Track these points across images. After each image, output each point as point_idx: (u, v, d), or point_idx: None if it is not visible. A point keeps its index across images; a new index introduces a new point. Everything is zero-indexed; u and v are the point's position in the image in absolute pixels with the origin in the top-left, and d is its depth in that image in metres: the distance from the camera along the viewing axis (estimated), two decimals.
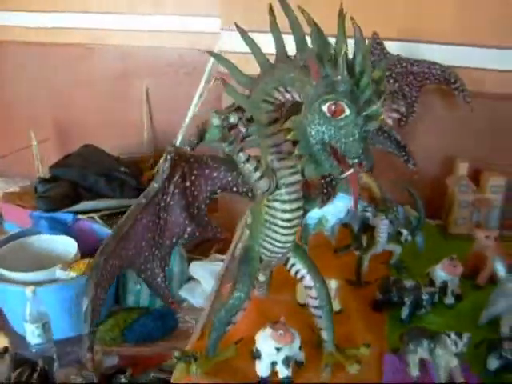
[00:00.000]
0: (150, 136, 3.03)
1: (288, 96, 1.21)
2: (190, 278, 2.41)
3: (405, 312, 1.66)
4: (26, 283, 1.94)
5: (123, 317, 2.18)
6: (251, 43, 1.22)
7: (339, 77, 1.05)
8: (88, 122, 3.05)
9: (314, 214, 1.80)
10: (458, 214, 2.21)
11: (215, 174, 1.35)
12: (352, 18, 1.11)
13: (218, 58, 1.27)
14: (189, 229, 1.37)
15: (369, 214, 1.82)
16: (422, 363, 1.47)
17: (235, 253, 2.03)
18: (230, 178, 1.36)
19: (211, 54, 1.30)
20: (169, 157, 1.27)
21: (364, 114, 1.06)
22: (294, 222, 1.32)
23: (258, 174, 1.24)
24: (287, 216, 1.30)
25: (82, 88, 3.02)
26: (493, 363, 1.46)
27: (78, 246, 2.21)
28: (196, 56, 2.86)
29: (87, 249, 2.25)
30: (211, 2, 2.72)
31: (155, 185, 1.28)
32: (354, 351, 1.50)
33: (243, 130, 1.20)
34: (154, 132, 3.05)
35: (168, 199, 1.31)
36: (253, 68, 2.42)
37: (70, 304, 1.99)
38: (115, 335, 2.09)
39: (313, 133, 1.09)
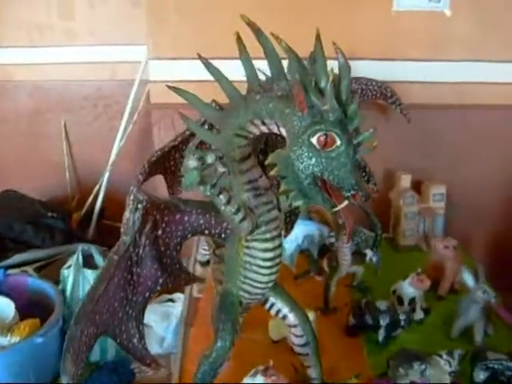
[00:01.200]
0: (71, 175, 2.83)
1: (263, 129, 1.14)
2: None
3: (381, 335, 1.63)
4: None
5: None
6: (218, 74, 1.13)
7: (326, 106, 1.00)
8: (3, 165, 2.80)
9: None
10: (406, 225, 2.24)
11: (186, 219, 1.25)
12: (334, 43, 1.05)
13: (180, 92, 1.16)
14: (161, 280, 1.26)
15: (333, 240, 1.78)
16: None
17: (193, 292, 1.92)
18: (201, 221, 1.26)
19: (171, 88, 1.18)
20: (140, 206, 1.15)
21: (355, 142, 1.02)
22: (277, 261, 1.25)
23: (240, 216, 1.16)
24: (269, 255, 1.23)
25: None
26: (480, 375, 1.45)
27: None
28: (115, 88, 2.72)
29: (22, 307, 2.04)
30: (129, 31, 2.60)
31: (125, 238, 1.16)
32: (344, 382, 1.44)
33: (222, 170, 1.11)
34: (76, 170, 2.85)
35: (140, 252, 1.19)
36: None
37: (14, 372, 1.79)
38: None
39: (301, 167, 1.03)
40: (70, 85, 2.74)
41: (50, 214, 2.47)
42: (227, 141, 1.15)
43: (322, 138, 0.99)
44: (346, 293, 1.91)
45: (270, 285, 1.30)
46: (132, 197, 1.16)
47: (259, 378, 1.29)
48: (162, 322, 2.19)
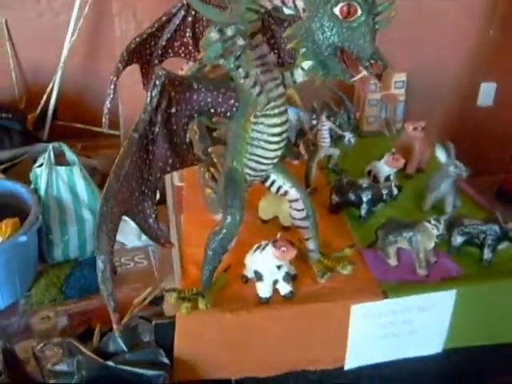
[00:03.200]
0: (18, 76, 2.66)
1: (276, 1, 1.14)
2: None
3: (364, 209, 1.73)
4: None
5: (55, 274, 1.98)
6: None
7: None
8: None
9: None
10: (369, 112, 2.32)
11: (195, 97, 1.24)
12: None
13: None
14: (170, 160, 1.27)
15: (314, 122, 1.83)
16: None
17: (174, 181, 1.94)
18: (209, 99, 1.26)
19: None
20: (158, 82, 1.14)
21: (375, 12, 1.05)
22: (283, 136, 1.29)
23: (257, 89, 1.18)
24: (277, 130, 1.27)
25: None
26: (457, 239, 1.59)
27: None
28: None
29: None
30: None
31: (144, 115, 1.15)
32: (339, 254, 1.55)
33: (242, 42, 1.11)
34: (22, 70, 2.69)
35: (156, 130, 1.19)
36: None
37: (4, 270, 1.77)
38: (54, 295, 1.90)
39: (322, 37, 1.06)
40: None
41: (4, 115, 2.35)
42: (238, 16, 1.15)
43: (345, 8, 1.02)
44: (322, 175, 1.99)
45: (275, 161, 1.34)
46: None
47: (269, 250, 1.36)
48: None
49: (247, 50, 1.15)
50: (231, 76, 1.20)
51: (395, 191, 1.81)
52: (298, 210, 1.45)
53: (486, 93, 2.65)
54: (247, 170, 1.34)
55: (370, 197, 1.72)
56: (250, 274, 1.46)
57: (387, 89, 2.32)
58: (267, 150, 1.29)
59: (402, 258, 1.59)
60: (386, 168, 1.84)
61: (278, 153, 1.31)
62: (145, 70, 1.76)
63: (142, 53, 1.72)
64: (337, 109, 1.81)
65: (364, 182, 1.74)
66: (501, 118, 2.68)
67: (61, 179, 1.99)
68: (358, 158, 2.03)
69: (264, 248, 1.38)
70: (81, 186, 2.01)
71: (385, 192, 1.71)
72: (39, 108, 2.56)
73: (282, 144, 1.30)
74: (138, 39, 1.67)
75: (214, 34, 1.08)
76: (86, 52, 2.61)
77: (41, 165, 2.00)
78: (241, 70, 1.14)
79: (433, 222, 1.48)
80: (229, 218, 1.32)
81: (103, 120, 1.67)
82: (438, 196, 1.80)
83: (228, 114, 1.30)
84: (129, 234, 2.16)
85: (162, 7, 1.90)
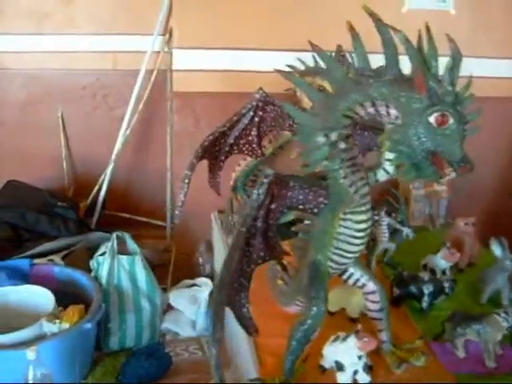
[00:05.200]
0: (69, 166, 2.78)
1: (371, 110, 1.24)
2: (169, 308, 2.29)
3: (426, 302, 1.78)
4: (13, 345, 1.69)
5: (111, 362, 2.00)
6: (329, 60, 1.23)
7: (443, 89, 1.14)
8: None
9: None
10: (414, 208, 2.42)
11: (289, 194, 1.34)
12: (447, 35, 1.18)
13: (290, 76, 1.25)
14: (262, 253, 1.34)
15: (375, 217, 1.91)
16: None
17: None
18: (301, 197, 1.36)
19: (280, 72, 1.27)
20: (265, 181, 1.23)
21: (464, 121, 1.16)
22: (368, 231, 1.37)
23: (353, 189, 1.27)
24: (363, 226, 1.34)
25: None
26: None
27: None
28: (115, 77, 2.71)
29: None
30: (129, 20, 2.59)
31: (250, 211, 1.24)
32: (410, 345, 1.58)
33: (344, 146, 1.21)
34: (73, 161, 2.81)
35: (258, 224, 1.27)
36: (208, 85, 2.40)
37: (65, 358, 1.78)
38: (111, 383, 1.92)
39: (417, 143, 1.16)
40: (68, 74, 2.68)
41: (60, 203, 2.44)
42: (334, 121, 1.25)
43: (439, 118, 1.14)
44: (378, 268, 2.05)
45: (357, 255, 1.41)
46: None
47: (352, 341, 1.40)
48: (191, 306, 2.22)
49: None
50: (321, 175, 1.31)
51: (451, 285, 1.87)
52: (373, 302, 1.51)
53: None
54: (330, 263, 1.41)
55: (431, 289, 1.77)
56: (327, 364, 1.48)
57: (431, 186, 2.44)
58: (352, 244, 1.37)
59: (468, 349, 1.62)
60: (442, 262, 1.91)
61: (361, 247, 1.39)
62: (211, 165, 1.87)
63: (212, 149, 1.83)
64: (398, 206, 1.91)
65: (425, 275, 1.80)
66: None
67: (122, 268, 2.04)
68: (408, 251, 2.10)
69: (345, 339, 1.42)
70: (141, 275, 2.07)
71: (446, 285, 1.77)
72: (90, 198, 2.66)
73: (365, 239, 1.37)
74: (211, 137, 1.79)
75: (320, 139, 1.18)
76: (136, 146, 2.75)
77: (103, 253, 2.06)
78: (341, 171, 1.23)
79: (502, 314, 1.53)
80: (314, 309, 1.38)
81: (176, 212, 1.76)
82: (494, 289, 1.86)
83: (315, 210, 1.38)
84: (183, 325, 2.20)
85: (219, 105, 2.04)
